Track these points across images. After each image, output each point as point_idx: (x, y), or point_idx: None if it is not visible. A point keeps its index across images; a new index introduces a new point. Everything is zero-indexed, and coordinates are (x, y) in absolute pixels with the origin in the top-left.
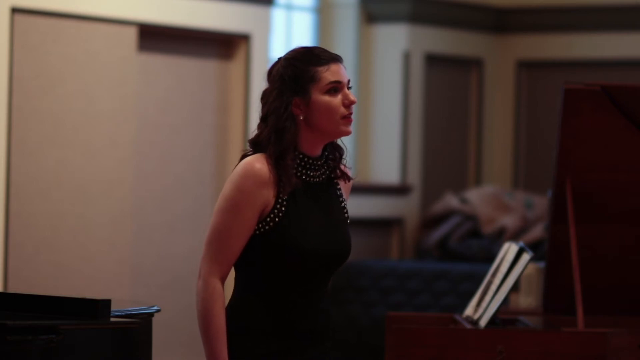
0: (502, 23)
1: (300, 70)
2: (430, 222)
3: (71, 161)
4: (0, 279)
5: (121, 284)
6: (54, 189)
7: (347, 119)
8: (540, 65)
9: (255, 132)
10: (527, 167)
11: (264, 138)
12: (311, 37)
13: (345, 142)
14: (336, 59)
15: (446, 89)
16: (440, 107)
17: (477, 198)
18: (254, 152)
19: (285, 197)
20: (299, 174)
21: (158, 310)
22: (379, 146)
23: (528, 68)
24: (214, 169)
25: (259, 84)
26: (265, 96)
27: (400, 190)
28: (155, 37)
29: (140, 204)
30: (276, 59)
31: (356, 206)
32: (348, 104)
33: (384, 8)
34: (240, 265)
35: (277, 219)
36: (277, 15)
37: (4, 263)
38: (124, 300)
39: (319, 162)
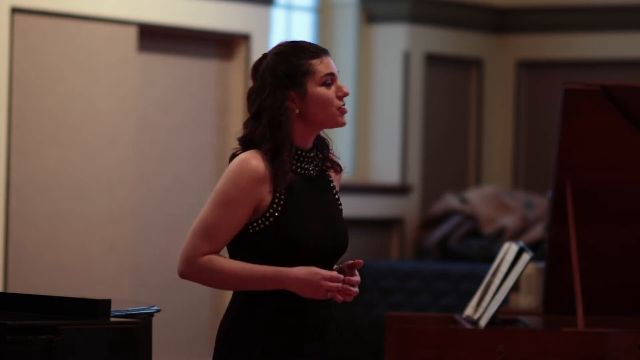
0: (502, 23)
1: (294, 64)
2: (430, 222)
3: (71, 161)
4: (0, 279)
5: (121, 284)
6: (54, 189)
7: (342, 110)
8: (540, 65)
9: (244, 131)
10: (527, 167)
11: (257, 135)
12: (311, 37)
13: (345, 141)
14: (325, 51)
15: (446, 89)
16: (440, 107)
17: (477, 198)
18: (244, 151)
19: (283, 191)
20: (294, 167)
21: (158, 310)
22: (379, 146)
23: (528, 68)
24: (214, 169)
25: None
26: (254, 93)
27: (400, 190)
28: (155, 37)
29: (140, 204)
30: (260, 56)
31: (356, 206)
32: (342, 96)
33: (384, 8)
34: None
35: (276, 214)
36: (277, 15)
37: (4, 263)
38: (124, 300)
39: (311, 154)
